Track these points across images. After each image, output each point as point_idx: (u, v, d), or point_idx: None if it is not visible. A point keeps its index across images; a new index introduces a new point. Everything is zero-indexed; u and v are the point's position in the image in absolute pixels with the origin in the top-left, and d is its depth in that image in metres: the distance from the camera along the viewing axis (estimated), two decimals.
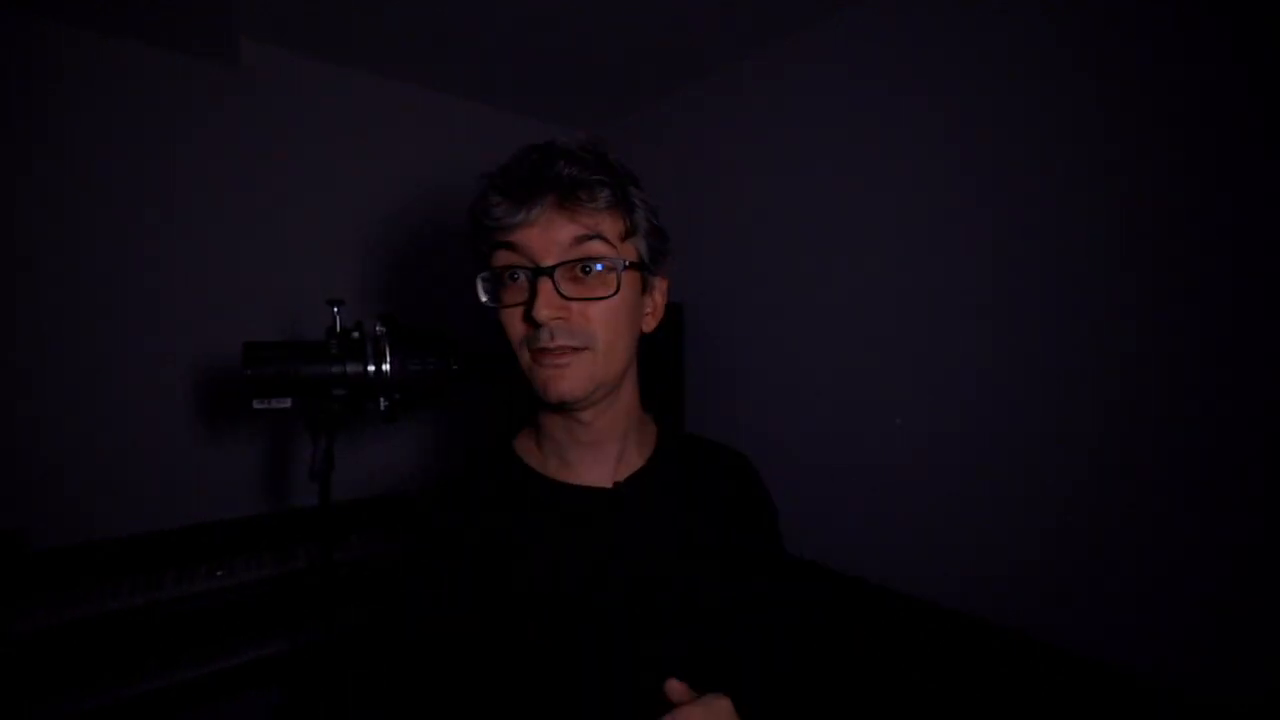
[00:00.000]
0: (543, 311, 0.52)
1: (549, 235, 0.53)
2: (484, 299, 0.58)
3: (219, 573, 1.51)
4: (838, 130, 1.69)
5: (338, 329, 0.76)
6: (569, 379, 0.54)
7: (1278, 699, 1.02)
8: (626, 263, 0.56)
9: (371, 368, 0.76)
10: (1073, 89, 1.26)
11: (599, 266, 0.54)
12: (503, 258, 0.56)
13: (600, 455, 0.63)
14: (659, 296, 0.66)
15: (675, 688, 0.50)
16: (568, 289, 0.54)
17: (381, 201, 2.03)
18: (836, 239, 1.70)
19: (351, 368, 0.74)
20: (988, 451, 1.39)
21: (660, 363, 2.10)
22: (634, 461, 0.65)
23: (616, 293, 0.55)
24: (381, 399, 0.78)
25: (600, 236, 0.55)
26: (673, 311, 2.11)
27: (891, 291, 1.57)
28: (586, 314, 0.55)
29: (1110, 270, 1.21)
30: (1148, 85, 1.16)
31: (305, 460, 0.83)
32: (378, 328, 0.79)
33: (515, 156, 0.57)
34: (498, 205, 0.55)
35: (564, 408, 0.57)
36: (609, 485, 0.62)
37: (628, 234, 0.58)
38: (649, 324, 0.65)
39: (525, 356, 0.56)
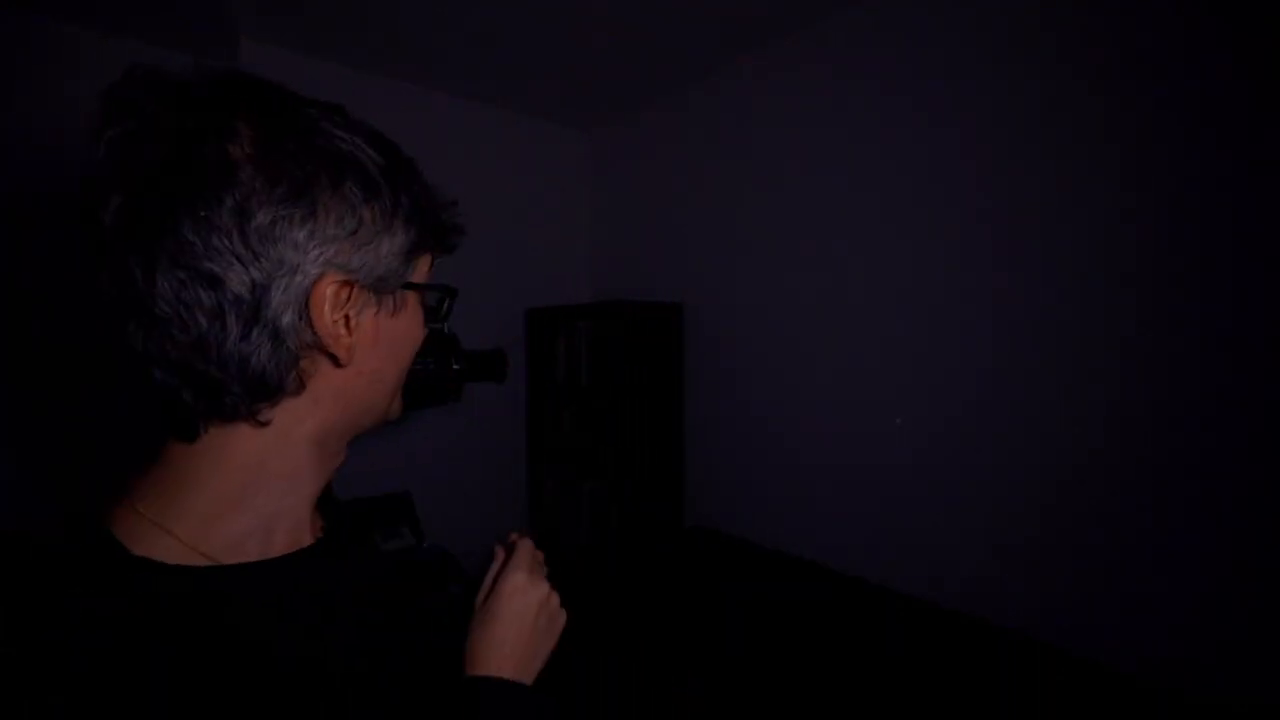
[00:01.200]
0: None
1: None
2: (442, 304, 0.50)
3: None
4: (838, 130, 1.69)
5: None
6: None
7: (1278, 699, 1.03)
8: None
9: None
10: (1072, 88, 1.26)
11: None
12: (430, 273, 0.48)
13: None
14: None
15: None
16: None
17: None
18: (836, 239, 1.70)
19: None
20: (988, 451, 1.39)
21: (660, 363, 2.10)
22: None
23: None
24: None
25: None
26: (673, 312, 2.13)
27: (892, 291, 1.58)
28: None
29: (1111, 269, 1.21)
30: (1147, 84, 1.17)
31: None
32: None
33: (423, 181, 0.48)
34: (463, 231, 0.50)
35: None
36: (308, 541, 0.46)
37: None
38: None
39: (401, 375, 0.50)
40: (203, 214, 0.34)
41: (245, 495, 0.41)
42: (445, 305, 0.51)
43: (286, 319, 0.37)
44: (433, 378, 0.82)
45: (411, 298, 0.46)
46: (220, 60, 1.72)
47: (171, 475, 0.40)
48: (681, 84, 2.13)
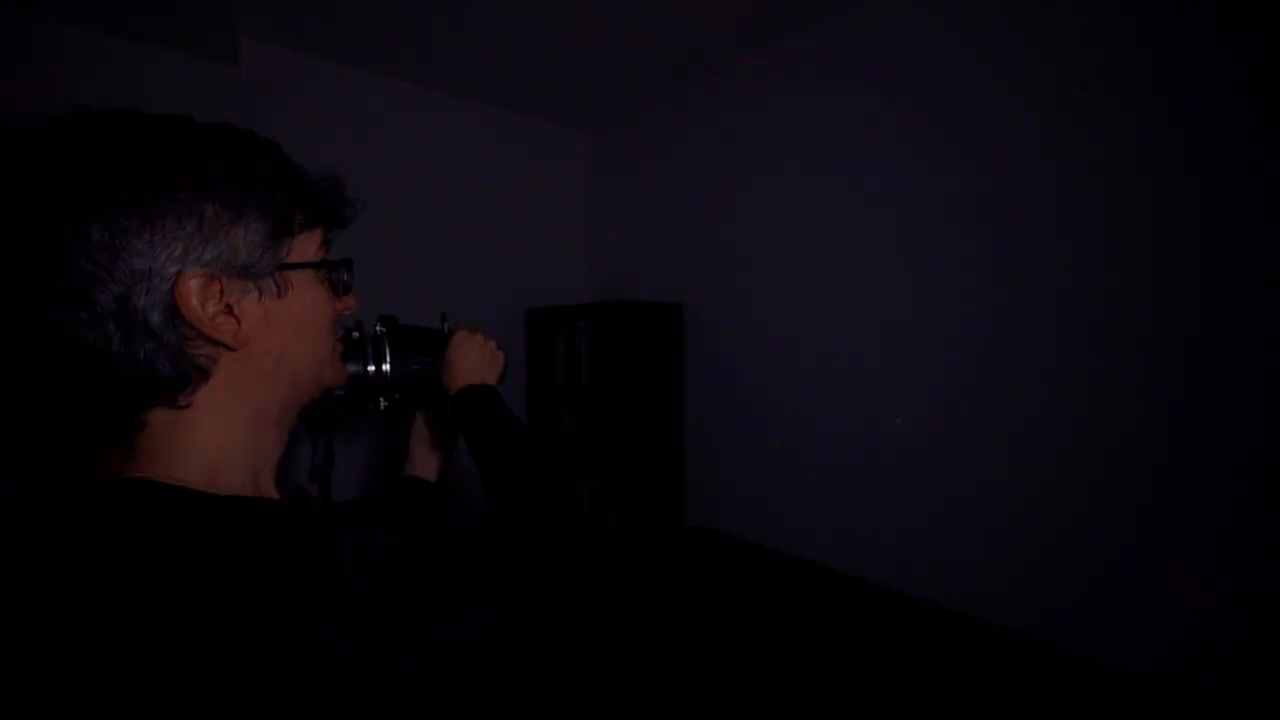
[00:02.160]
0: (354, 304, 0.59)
1: None
2: (345, 278, 0.55)
3: None
4: (837, 130, 1.69)
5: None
6: None
7: (1278, 699, 1.02)
8: None
9: (372, 368, 0.76)
10: (1071, 89, 1.26)
11: None
12: (321, 250, 0.53)
13: None
14: None
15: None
16: None
17: (381, 201, 2.02)
18: (836, 239, 1.70)
19: (352, 368, 0.74)
20: (988, 451, 1.39)
21: (660, 363, 2.10)
22: None
23: None
24: (381, 399, 0.78)
25: None
26: (673, 312, 2.13)
27: (892, 291, 1.57)
28: None
29: (1111, 269, 1.21)
30: (1148, 83, 1.16)
31: (305, 460, 0.83)
32: (378, 328, 0.79)
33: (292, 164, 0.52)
34: (351, 205, 0.55)
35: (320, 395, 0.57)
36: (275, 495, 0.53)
37: None
38: None
39: (331, 344, 0.55)
40: (50, 244, 0.38)
41: (222, 460, 0.46)
42: (346, 278, 0.55)
43: (155, 318, 0.40)
44: (433, 378, 0.82)
45: (299, 277, 0.49)
46: (220, 60, 1.72)
47: (150, 454, 0.43)
48: (681, 84, 2.13)
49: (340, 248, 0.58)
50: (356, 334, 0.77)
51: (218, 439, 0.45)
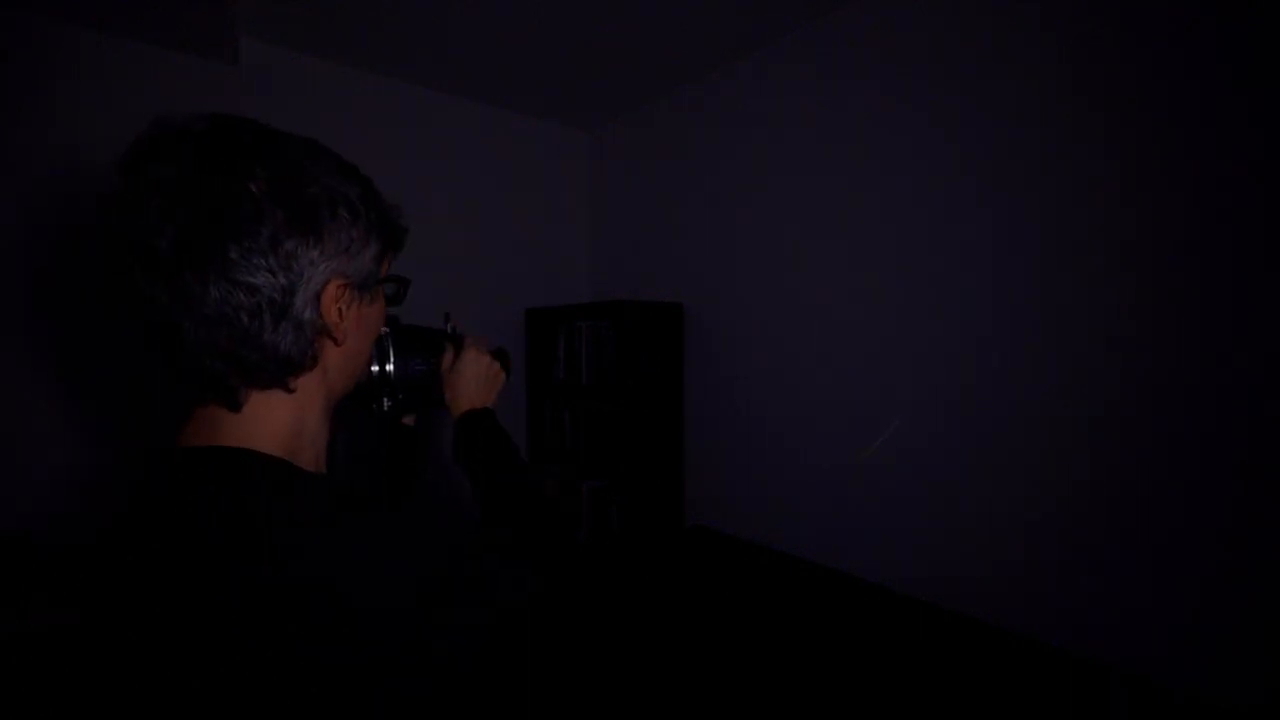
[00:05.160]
0: None
1: None
2: (398, 291, 0.65)
3: None
4: (837, 130, 1.69)
5: None
6: None
7: (1278, 699, 1.03)
8: None
9: (375, 368, 0.76)
10: (1070, 87, 1.26)
11: None
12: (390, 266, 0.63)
13: None
14: None
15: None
16: None
17: None
18: (836, 239, 1.70)
19: None
20: (987, 451, 1.40)
21: (660, 363, 2.10)
22: None
23: None
24: (385, 399, 0.78)
25: None
26: (673, 312, 2.13)
27: (891, 291, 1.58)
28: None
29: (1109, 269, 1.22)
30: (1147, 83, 1.17)
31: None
32: (380, 328, 0.79)
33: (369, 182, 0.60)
34: (407, 229, 0.64)
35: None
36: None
37: None
38: None
39: (370, 348, 0.64)
40: (246, 243, 0.46)
41: (296, 440, 0.54)
42: (402, 291, 0.66)
43: (307, 314, 0.50)
44: (434, 378, 0.82)
45: (378, 290, 0.61)
46: (220, 60, 1.72)
47: (235, 432, 0.50)
48: (681, 84, 2.13)
49: None
50: None
51: (295, 420, 0.54)
